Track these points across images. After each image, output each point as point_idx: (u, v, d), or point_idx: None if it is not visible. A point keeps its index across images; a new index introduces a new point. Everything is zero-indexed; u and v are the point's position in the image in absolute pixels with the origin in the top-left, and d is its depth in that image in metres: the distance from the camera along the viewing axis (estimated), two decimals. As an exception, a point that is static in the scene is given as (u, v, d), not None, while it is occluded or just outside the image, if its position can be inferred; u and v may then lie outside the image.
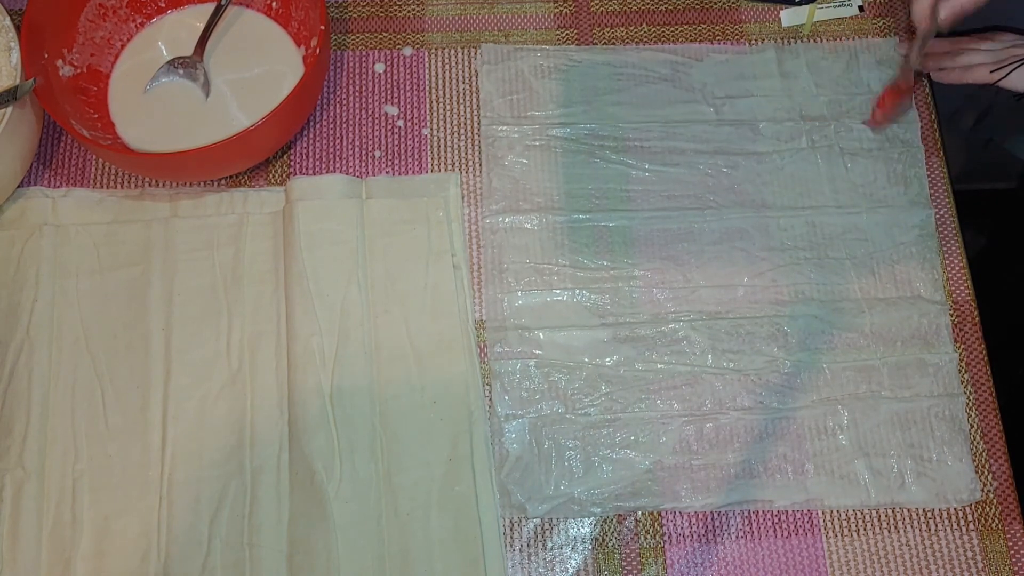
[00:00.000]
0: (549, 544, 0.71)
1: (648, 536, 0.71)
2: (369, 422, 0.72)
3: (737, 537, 0.71)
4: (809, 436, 0.74)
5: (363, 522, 0.69)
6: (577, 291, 0.77)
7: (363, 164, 0.81)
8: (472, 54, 0.85)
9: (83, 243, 0.77)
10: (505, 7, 0.87)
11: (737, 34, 0.87)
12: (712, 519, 0.72)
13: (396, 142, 0.82)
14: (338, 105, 0.83)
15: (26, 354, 0.73)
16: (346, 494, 0.69)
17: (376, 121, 0.83)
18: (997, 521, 0.73)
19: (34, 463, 0.70)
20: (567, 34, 0.86)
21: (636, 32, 0.87)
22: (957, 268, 0.79)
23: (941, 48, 0.82)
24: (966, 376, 0.76)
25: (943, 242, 0.80)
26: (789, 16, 0.87)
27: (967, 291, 0.78)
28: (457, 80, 0.84)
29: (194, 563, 0.69)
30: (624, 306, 0.77)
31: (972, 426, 0.75)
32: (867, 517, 0.72)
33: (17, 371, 0.73)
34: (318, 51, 0.75)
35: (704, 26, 0.87)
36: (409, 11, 0.87)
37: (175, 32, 0.83)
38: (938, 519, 0.72)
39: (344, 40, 0.85)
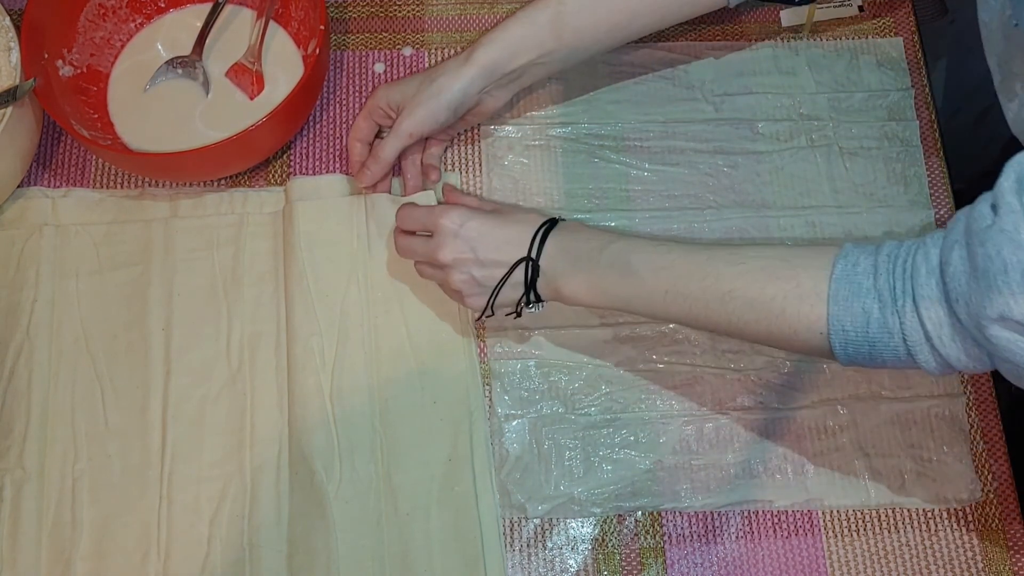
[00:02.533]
0: (549, 544, 0.71)
1: (648, 536, 0.71)
2: (369, 422, 0.72)
3: (737, 537, 0.71)
4: (809, 436, 0.74)
5: (363, 522, 0.69)
6: (577, 291, 0.77)
7: (363, 164, 0.81)
8: (472, 54, 0.85)
9: (83, 243, 0.77)
10: (505, 7, 0.87)
11: (736, 34, 0.87)
12: (712, 519, 0.72)
13: (396, 142, 0.82)
14: (338, 105, 0.83)
15: (26, 354, 0.73)
16: (346, 494, 0.69)
17: (376, 121, 0.83)
18: (997, 521, 0.73)
19: (34, 463, 0.70)
20: (567, 34, 0.86)
21: (636, 32, 0.86)
22: (957, 268, 0.79)
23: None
24: (966, 376, 0.76)
25: (943, 242, 0.80)
26: (789, 16, 0.87)
27: (967, 291, 0.78)
28: (457, 80, 0.84)
29: (194, 563, 0.68)
30: (624, 306, 0.77)
31: (972, 426, 0.75)
32: (867, 517, 0.72)
33: (17, 371, 0.73)
34: (318, 51, 0.74)
35: (704, 26, 0.87)
36: (409, 11, 0.87)
37: (175, 32, 0.83)
38: (938, 519, 0.72)
39: (344, 40, 0.85)
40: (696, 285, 0.60)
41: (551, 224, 0.66)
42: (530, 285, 0.65)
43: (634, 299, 0.63)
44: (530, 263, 0.65)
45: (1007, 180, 0.50)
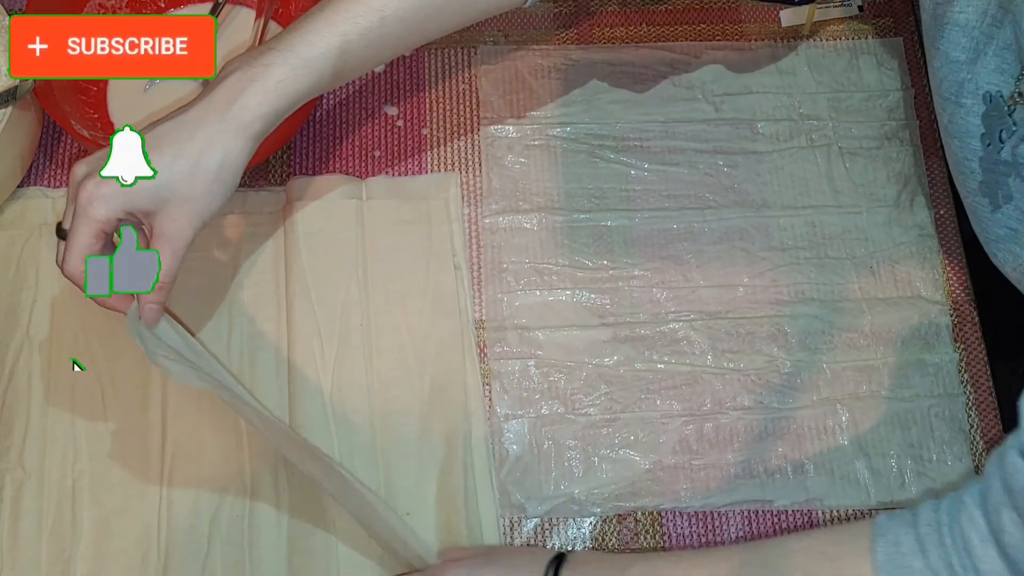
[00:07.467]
0: (549, 544, 0.71)
1: (648, 536, 0.71)
2: (369, 422, 0.72)
3: (737, 537, 0.71)
4: (809, 436, 0.74)
5: (363, 522, 0.69)
6: (577, 291, 0.77)
7: (363, 164, 0.81)
8: (472, 54, 0.85)
9: (83, 243, 0.77)
10: (505, 7, 0.87)
11: (736, 34, 0.87)
12: (712, 519, 0.72)
13: (396, 142, 0.82)
14: (338, 105, 0.83)
15: (26, 354, 0.73)
16: (346, 494, 0.69)
17: (376, 121, 0.83)
18: (997, 521, 0.72)
19: (34, 463, 0.70)
20: (567, 34, 0.86)
21: (636, 32, 0.86)
22: (957, 268, 0.79)
23: None
24: (966, 376, 0.76)
25: (943, 242, 0.80)
26: (788, 16, 0.87)
27: (967, 291, 0.78)
28: (457, 80, 0.84)
29: (194, 563, 0.68)
30: (624, 306, 0.77)
31: (972, 426, 0.75)
32: (867, 517, 0.72)
33: (17, 371, 0.73)
34: (318, 51, 0.74)
35: (704, 26, 0.87)
36: (409, 11, 0.87)
37: (175, 32, 0.83)
38: (938, 519, 0.72)
39: (344, 40, 0.85)
40: None
41: (558, 561, 0.62)
42: None
43: None
44: None
45: None
